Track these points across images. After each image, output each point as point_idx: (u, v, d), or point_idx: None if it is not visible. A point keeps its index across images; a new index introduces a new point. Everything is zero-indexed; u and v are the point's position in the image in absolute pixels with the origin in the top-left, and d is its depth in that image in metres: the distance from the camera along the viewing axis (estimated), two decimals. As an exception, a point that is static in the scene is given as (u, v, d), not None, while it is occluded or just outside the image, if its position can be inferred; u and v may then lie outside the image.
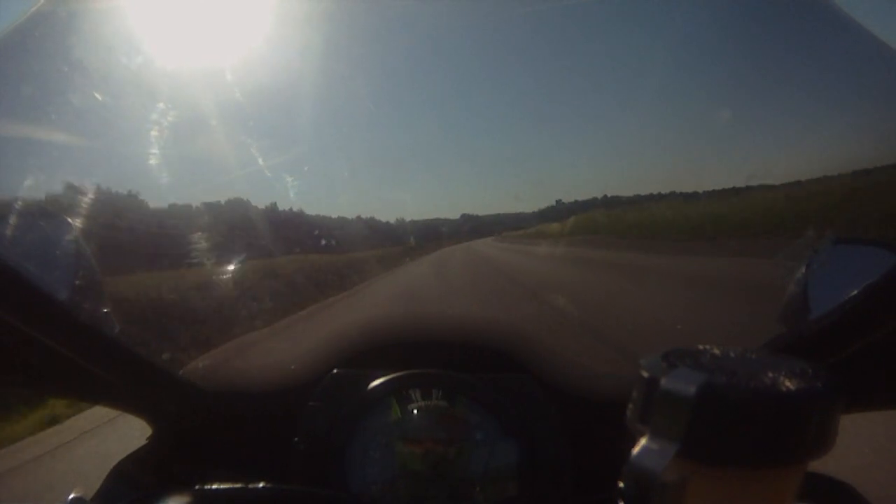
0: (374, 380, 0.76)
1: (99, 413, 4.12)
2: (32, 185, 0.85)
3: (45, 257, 0.71)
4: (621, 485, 0.32)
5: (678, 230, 7.33)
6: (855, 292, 0.54)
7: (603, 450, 0.54)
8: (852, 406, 0.53)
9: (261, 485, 0.67)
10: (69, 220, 0.77)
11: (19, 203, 0.77)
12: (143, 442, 0.79)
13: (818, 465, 0.33)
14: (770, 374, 0.31)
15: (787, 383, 0.30)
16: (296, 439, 0.74)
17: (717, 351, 0.35)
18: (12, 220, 0.72)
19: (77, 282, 0.70)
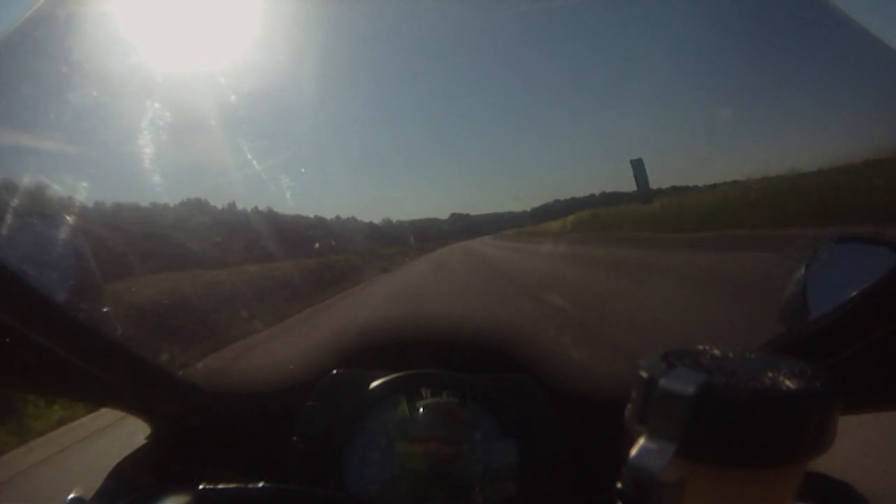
0: (373, 380, 0.76)
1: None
2: (30, 186, 0.85)
3: (45, 259, 0.71)
4: (620, 485, 0.32)
5: (680, 224, 7.31)
6: (855, 292, 0.54)
7: (602, 450, 0.54)
8: (852, 407, 0.53)
9: (260, 485, 0.67)
10: (68, 220, 0.77)
11: (18, 204, 0.77)
12: (142, 442, 0.79)
13: (818, 465, 0.33)
14: (769, 375, 0.31)
15: (786, 383, 0.30)
16: (294, 439, 0.74)
17: (716, 351, 0.35)
18: (11, 221, 0.73)
19: (76, 283, 0.70)
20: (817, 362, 0.32)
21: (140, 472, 0.75)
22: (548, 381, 0.77)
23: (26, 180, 0.85)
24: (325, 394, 0.76)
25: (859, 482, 0.63)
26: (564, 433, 0.74)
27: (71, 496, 0.66)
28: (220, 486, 0.67)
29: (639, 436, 0.32)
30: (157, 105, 1.04)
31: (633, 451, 0.31)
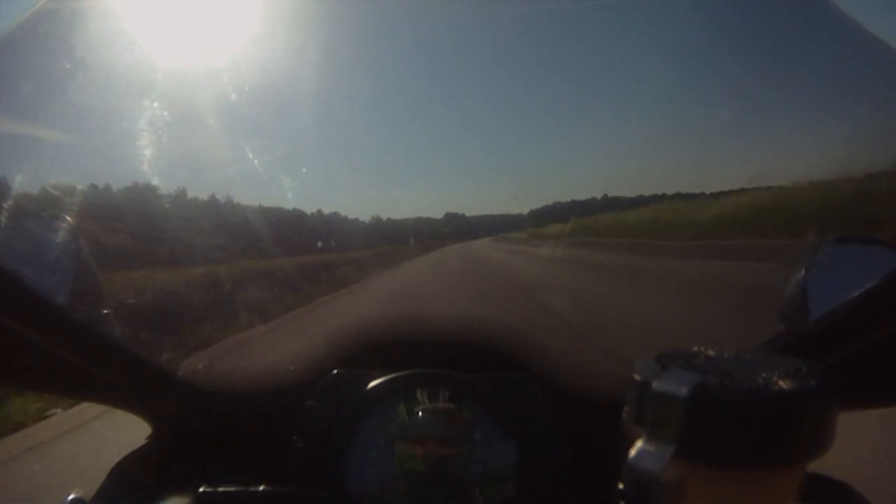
0: (373, 380, 0.76)
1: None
2: (31, 183, 0.85)
3: (44, 260, 0.71)
4: (621, 485, 0.32)
5: (689, 232, 7.25)
6: (855, 293, 0.54)
7: (602, 450, 0.54)
8: (851, 404, 0.53)
9: (260, 487, 0.67)
10: (68, 220, 0.77)
11: (18, 204, 0.77)
12: (141, 442, 0.79)
13: (817, 465, 0.33)
14: (764, 375, 0.31)
15: (781, 383, 0.30)
16: (294, 438, 0.74)
17: (711, 352, 0.35)
18: (10, 222, 0.73)
19: (76, 284, 0.70)
20: (815, 362, 0.32)
21: (140, 473, 0.75)
22: (547, 381, 0.77)
23: (27, 178, 0.85)
24: (325, 393, 0.76)
25: (859, 482, 0.63)
26: (564, 433, 0.74)
27: (71, 496, 0.66)
28: (220, 489, 0.67)
29: (637, 437, 0.32)
30: (161, 103, 1.04)
31: (632, 453, 0.31)
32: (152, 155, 1.09)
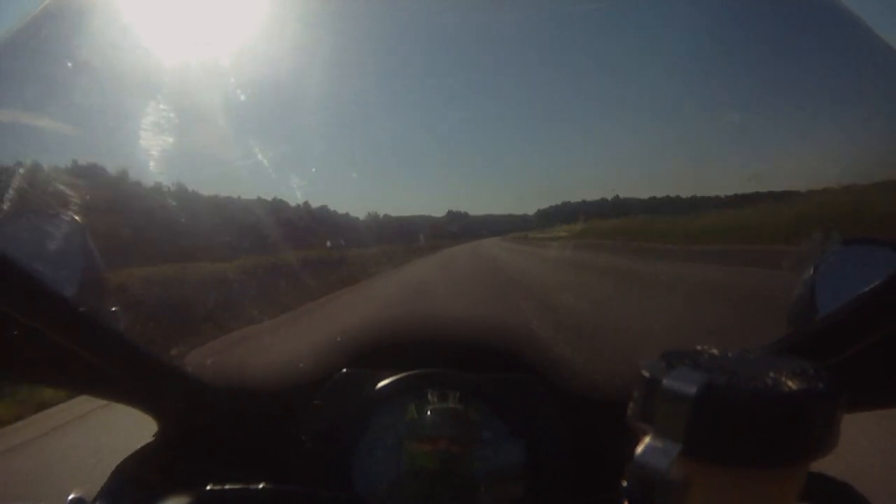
0: (381, 379, 0.76)
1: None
2: (39, 180, 0.85)
3: (52, 256, 0.71)
4: (625, 483, 0.32)
5: (703, 236, 7.17)
6: (861, 292, 0.54)
7: (608, 449, 0.54)
8: (855, 405, 0.53)
9: (268, 486, 0.67)
10: (75, 217, 0.77)
11: (26, 199, 0.78)
12: (144, 441, 0.79)
13: (818, 465, 0.33)
14: (771, 375, 0.31)
15: (788, 383, 0.30)
16: (302, 437, 0.74)
17: (715, 351, 0.35)
18: (19, 217, 0.73)
19: (83, 278, 0.70)
20: (821, 362, 0.32)
21: (145, 471, 0.74)
22: (554, 381, 0.77)
23: (32, 175, 0.85)
24: (334, 392, 0.76)
25: (859, 482, 0.63)
26: (570, 433, 0.74)
27: (72, 496, 0.65)
28: (227, 487, 0.67)
29: (644, 434, 0.32)
30: (167, 102, 1.04)
31: (639, 450, 0.31)
32: (160, 154, 1.09)
